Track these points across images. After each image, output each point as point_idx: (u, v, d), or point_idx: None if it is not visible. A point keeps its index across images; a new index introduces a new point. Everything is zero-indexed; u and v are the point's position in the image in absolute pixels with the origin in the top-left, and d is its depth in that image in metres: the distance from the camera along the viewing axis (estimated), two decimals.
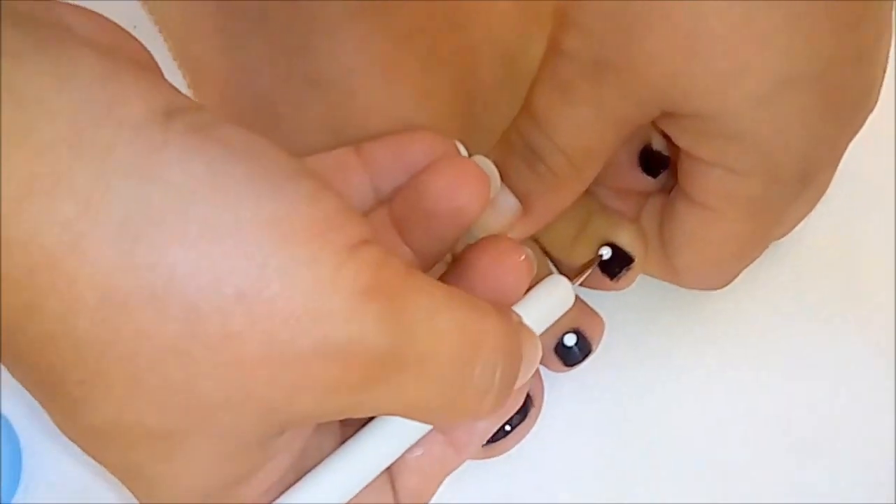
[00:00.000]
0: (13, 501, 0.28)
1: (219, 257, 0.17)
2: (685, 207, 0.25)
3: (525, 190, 0.26)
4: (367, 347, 0.18)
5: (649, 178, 0.28)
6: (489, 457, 0.28)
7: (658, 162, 0.28)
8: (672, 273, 0.27)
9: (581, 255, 0.29)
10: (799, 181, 0.24)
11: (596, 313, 0.29)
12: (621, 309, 0.29)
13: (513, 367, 0.22)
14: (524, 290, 0.24)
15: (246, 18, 0.28)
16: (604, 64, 0.23)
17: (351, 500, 0.23)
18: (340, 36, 0.27)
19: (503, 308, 0.22)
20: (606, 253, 0.28)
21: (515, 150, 0.26)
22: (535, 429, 0.29)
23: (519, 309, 0.24)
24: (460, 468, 0.28)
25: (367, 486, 0.23)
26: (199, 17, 0.29)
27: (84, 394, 0.18)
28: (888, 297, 0.30)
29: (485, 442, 0.27)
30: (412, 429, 0.23)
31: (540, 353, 0.23)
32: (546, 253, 0.29)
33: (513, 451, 0.29)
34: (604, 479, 0.29)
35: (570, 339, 0.28)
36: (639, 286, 0.30)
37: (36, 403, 0.29)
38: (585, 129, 0.24)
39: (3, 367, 0.29)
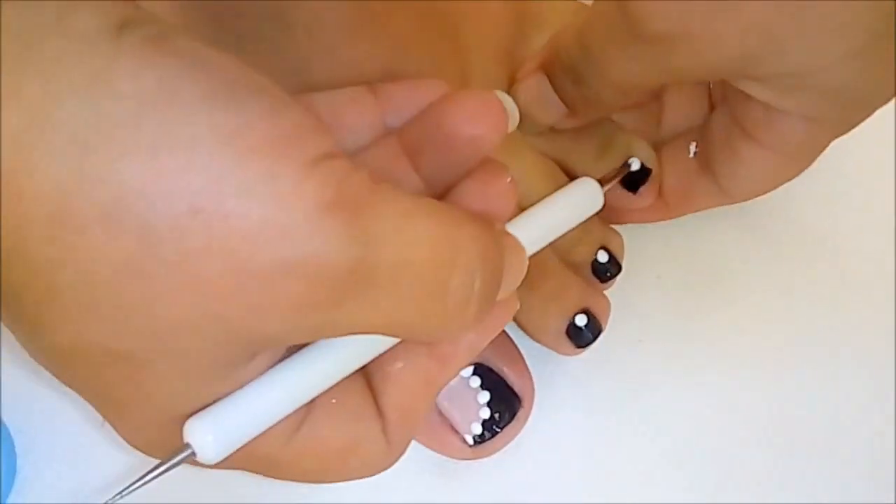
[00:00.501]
0: (8, 502, 0.28)
1: (172, 172, 0.16)
2: (750, 150, 0.26)
3: (569, 101, 0.26)
4: (333, 262, 0.17)
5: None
6: (479, 457, 0.28)
7: None
8: (719, 197, 0.28)
9: (582, 255, 0.29)
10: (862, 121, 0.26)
11: (603, 294, 0.29)
12: (617, 308, 0.29)
13: (494, 276, 0.21)
14: (510, 215, 0.24)
15: (232, 30, 0.28)
16: (680, 36, 0.23)
17: (332, 422, 0.22)
18: (338, 53, 0.27)
19: (481, 216, 0.21)
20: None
21: (563, 67, 0.26)
22: (531, 429, 0.29)
23: (548, 206, 0.23)
24: (457, 468, 0.28)
25: (346, 405, 0.22)
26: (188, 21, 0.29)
27: (41, 315, 0.18)
28: (888, 297, 0.30)
29: (473, 444, 0.27)
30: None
31: (526, 264, 0.22)
32: (567, 173, 0.29)
33: (508, 450, 0.28)
34: (601, 480, 0.29)
35: (581, 320, 0.28)
36: (635, 286, 0.30)
37: (30, 402, 0.29)
38: (642, 78, 0.25)
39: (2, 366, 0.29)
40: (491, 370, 0.28)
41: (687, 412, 0.30)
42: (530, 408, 0.28)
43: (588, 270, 0.29)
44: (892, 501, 0.29)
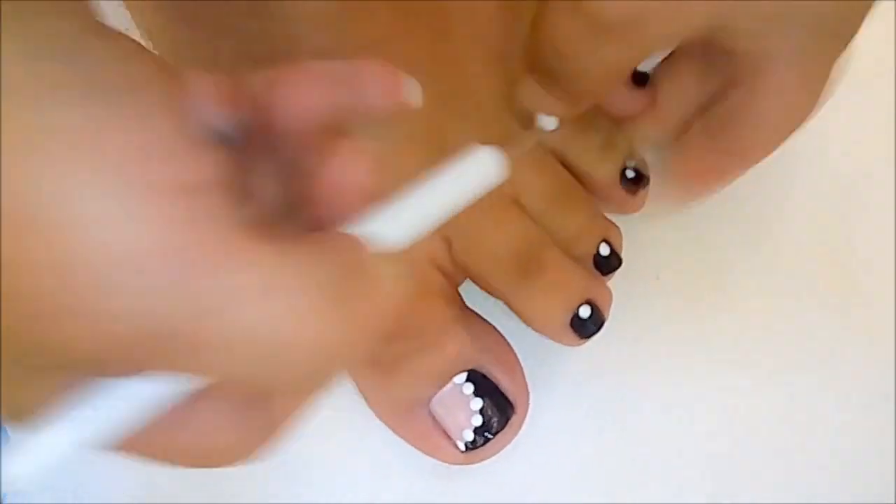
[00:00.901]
0: (5, 501, 0.28)
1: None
2: (753, 103, 0.26)
3: (562, 96, 0.26)
4: (148, 321, 0.14)
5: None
6: (471, 463, 0.28)
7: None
8: (739, 161, 0.28)
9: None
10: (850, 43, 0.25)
11: (605, 285, 0.29)
12: (615, 309, 0.29)
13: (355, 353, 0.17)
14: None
15: (210, 26, 0.28)
16: (643, 16, 0.23)
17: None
18: (308, 44, 0.27)
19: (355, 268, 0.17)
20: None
21: (542, 71, 0.26)
22: (530, 430, 0.29)
23: (441, 180, 0.20)
24: (455, 469, 0.28)
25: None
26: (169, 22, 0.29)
27: None
28: (888, 296, 0.30)
29: (465, 450, 0.27)
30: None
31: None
32: (570, 168, 0.29)
33: (506, 451, 0.28)
34: (600, 480, 0.29)
35: (585, 311, 0.28)
36: (634, 287, 0.30)
37: None
38: (621, 61, 0.24)
39: None
40: (485, 377, 0.28)
41: (685, 412, 0.30)
42: (524, 415, 0.28)
43: (590, 263, 0.29)
44: (893, 502, 0.29)
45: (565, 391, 0.30)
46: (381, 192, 0.19)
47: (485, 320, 0.29)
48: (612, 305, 0.29)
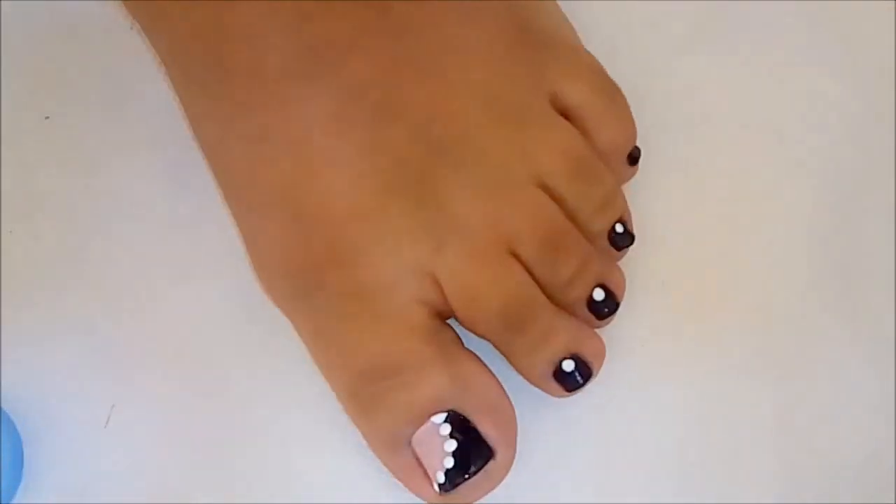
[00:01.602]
0: (14, 502, 0.28)
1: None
2: None
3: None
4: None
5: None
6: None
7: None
8: None
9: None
10: None
11: (595, 335, 0.29)
12: (621, 312, 0.29)
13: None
14: None
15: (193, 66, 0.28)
16: None
17: None
18: (279, 103, 0.27)
19: None
20: (599, 296, 0.28)
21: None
22: (532, 432, 0.29)
23: None
24: None
25: None
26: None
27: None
28: (888, 295, 0.30)
29: (439, 491, 0.27)
30: None
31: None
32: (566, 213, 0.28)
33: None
34: (603, 482, 0.29)
35: (568, 365, 0.27)
36: (639, 292, 0.30)
37: (38, 401, 0.29)
38: None
39: (4, 367, 0.29)
40: (463, 419, 0.27)
41: (685, 413, 0.30)
42: (508, 462, 0.27)
43: (584, 309, 0.28)
44: (893, 502, 0.29)
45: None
46: None
47: (478, 361, 0.28)
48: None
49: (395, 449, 0.27)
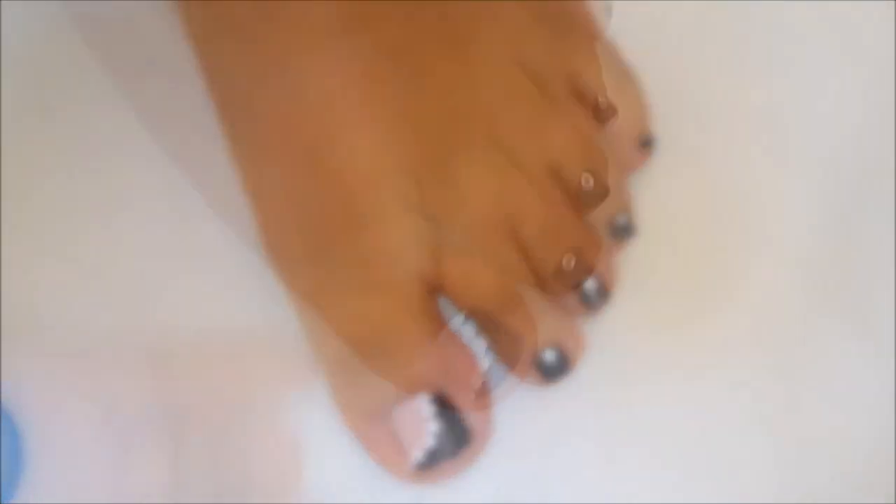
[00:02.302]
0: (13, 501, 0.28)
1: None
2: None
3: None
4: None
5: None
6: (419, 482, 0.28)
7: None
8: None
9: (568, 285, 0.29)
10: None
11: (574, 325, 0.29)
12: (615, 308, 0.29)
13: None
14: None
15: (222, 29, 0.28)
16: None
17: None
18: (319, 54, 0.27)
19: None
20: (591, 288, 0.29)
21: None
22: (532, 430, 0.29)
23: None
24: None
25: None
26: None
27: None
28: (888, 295, 0.30)
29: (414, 470, 0.27)
30: None
31: None
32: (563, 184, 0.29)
33: (508, 450, 0.29)
34: (599, 479, 0.29)
35: (549, 356, 0.28)
36: (632, 286, 0.30)
37: (39, 400, 0.29)
38: None
39: (6, 364, 0.29)
40: (448, 402, 0.28)
41: (685, 412, 0.30)
42: (479, 450, 0.28)
43: (574, 298, 0.29)
44: (893, 502, 0.29)
45: (561, 390, 0.30)
46: None
47: (466, 346, 0.28)
48: (613, 305, 0.29)
49: (373, 421, 0.28)
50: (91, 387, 0.29)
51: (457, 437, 0.28)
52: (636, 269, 0.30)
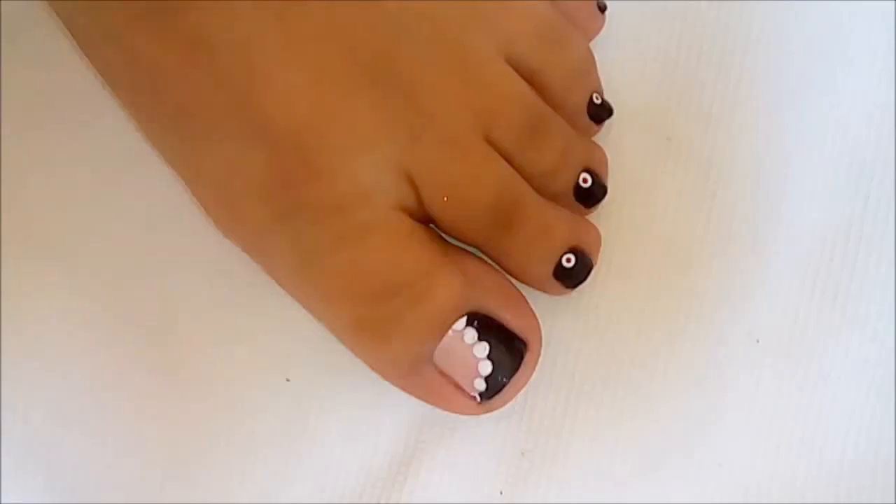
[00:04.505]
0: (5, 501, 0.28)
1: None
2: None
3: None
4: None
5: None
6: (488, 411, 0.26)
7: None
8: None
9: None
10: None
11: (590, 225, 0.27)
12: (609, 306, 0.29)
13: None
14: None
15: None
16: None
17: None
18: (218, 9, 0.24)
19: None
20: (586, 182, 0.27)
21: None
22: (529, 428, 0.29)
23: None
24: (458, 462, 0.28)
25: None
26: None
27: None
28: (889, 295, 0.30)
29: (480, 401, 0.25)
30: None
31: None
32: (541, 92, 0.26)
33: (508, 449, 0.28)
34: (600, 480, 0.29)
35: (568, 261, 0.26)
36: (631, 287, 0.30)
37: (29, 397, 0.29)
38: None
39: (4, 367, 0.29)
40: (487, 317, 0.25)
41: (685, 412, 0.30)
42: (538, 349, 0.26)
43: (571, 197, 0.27)
44: (893, 502, 0.29)
45: (562, 388, 0.29)
46: None
47: (473, 254, 0.26)
48: (613, 295, 0.29)
49: (418, 370, 0.26)
50: (91, 384, 0.29)
51: (510, 350, 0.25)
52: (635, 268, 0.30)
